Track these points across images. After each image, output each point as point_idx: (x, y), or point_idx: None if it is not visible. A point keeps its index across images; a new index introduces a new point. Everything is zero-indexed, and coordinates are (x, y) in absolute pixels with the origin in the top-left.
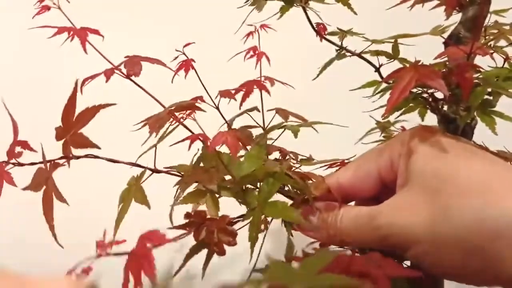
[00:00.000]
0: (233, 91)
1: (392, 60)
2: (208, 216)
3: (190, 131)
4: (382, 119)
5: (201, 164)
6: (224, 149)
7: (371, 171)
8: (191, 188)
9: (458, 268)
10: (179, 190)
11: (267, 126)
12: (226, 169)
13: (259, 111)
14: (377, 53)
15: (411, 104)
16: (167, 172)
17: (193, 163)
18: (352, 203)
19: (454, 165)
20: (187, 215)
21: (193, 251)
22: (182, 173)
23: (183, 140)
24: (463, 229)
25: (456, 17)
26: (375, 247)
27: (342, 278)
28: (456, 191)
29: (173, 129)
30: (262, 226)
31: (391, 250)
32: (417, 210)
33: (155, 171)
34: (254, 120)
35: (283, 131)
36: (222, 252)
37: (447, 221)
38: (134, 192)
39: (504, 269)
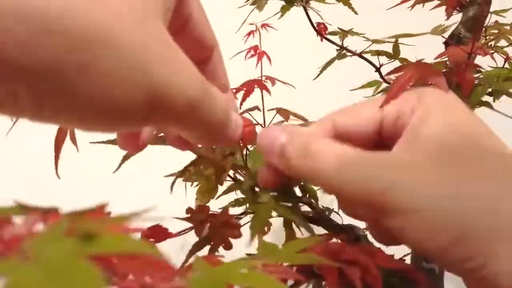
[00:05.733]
0: (234, 90)
1: (393, 60)
2: (210, 212)
3: None
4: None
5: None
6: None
7: (372, 118)
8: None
9: (445, 250)
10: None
11: (268, 125)
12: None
13: (260, 110)
14: (378, 53)
15: None
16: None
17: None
18: None
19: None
20: (189, 211)
21: (196, 247)
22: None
23: None
24: (471, 213)
25: (457, 17)
26: (351, 203)
27: (318, 258)
28: (469, 171)
29: None
30: (266, 228)
31: (369, 214)
32: (427, 176)
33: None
34: (255, 120)
35: None
36: (228, 246)
37: (456, 199)
38: None
39: (493, 262)
